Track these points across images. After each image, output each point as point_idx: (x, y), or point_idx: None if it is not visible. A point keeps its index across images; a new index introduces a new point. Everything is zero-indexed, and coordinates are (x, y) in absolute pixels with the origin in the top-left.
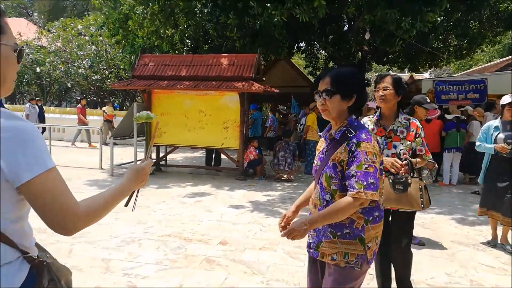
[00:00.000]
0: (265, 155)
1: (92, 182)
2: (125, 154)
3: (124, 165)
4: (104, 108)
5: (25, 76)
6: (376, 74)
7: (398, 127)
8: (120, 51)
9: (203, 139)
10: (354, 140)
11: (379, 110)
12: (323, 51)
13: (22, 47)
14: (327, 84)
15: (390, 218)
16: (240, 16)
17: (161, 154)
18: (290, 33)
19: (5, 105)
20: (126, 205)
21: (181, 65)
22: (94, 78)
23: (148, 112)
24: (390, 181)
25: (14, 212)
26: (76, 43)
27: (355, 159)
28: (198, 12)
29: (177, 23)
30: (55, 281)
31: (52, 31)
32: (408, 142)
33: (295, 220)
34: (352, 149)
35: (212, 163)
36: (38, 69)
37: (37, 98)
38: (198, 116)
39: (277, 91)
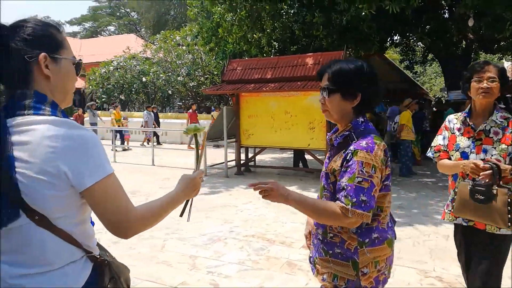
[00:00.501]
0: None
1: None
2: (218, 154)
3: (216, 166)
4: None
5: (134, 85)
6: (474, 62)
7: (491, 127)
8: (214, 58)
9: (289, 140)
10: (352, 148)
11: (469, 106)
12: (420, 43)
13: (80, 60)
14: (326, 80)
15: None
16: (326, 13)
17: (249, 155)
18: (380, 26)
19: (116, 111)
20: (181, 215)
21: (267, 68)
22: (191, 85)
23: (196, 124)
24: (469, 186)
25: (79, 215)
26: (175, 53)
27: (348, 169)
28: (284, 13)
29: (263, 26)
30: (115, 279)
31: (155, 43)
32: (504, 146)
33: (279, 184)
34: (347, 158)
35: (299, 164)
36: (144, 79)
37: (152, 106)
38: (284, 117)
39: None
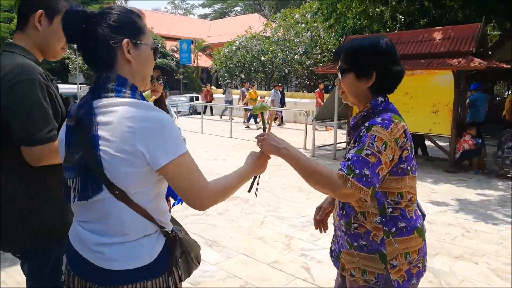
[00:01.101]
0: (491, 145)
1: None
2: (327, 136)
3: (325, 147)
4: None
5: (254, 64)
6: None
7: None
8: (333, 35)
9: (408, 123)
10: (367, 124)
11: None
12: None
13: (158, 45)
14: (341, 61)
15: None
16: None
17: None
18: None
19: (252, 90)
20: (249, 190)
21: None
22: (307, 63)
23: (262, 103)
24: None
25: (154, 191)
26: (294, 31)
27: (360, 143)
28: None
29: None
30: (186, 254)
31: (275, 22)
32: None
33: (274, 135)
34: (361, 134)
35: (418, 151)
36: (262, 58)
37: (279, 84)
38: (403, 98)
39: (509, 66)
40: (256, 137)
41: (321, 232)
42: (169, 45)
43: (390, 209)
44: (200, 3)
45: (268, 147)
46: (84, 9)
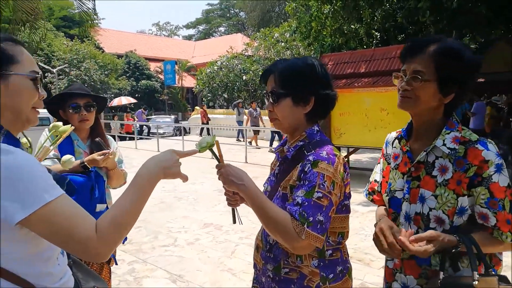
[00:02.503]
0: None
1: None
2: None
3: None
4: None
5: (236, 83)
6: None
7: (437, 157)
8: (312, 53)
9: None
10: (311, 158)
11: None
12: None
13: (37, 75)
14: (273, 83)
15: None
16: None
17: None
18: (505, 6)
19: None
20: (234, 222)
21: (360, 61)
22: None
23: (206, 137)
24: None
25: (24, 251)
26: (275, 50)
27: (306, 182)
28: (385, 0)
29: (361, 16)
30: None
31: (256, 41)
32: (451, 195)
33: (239, 169)
34: (305, 169)
35: None
36: (244, 77)
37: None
38: (380, 114)
39: (483, 79)
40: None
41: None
42: (154, 66)
43: (330, 251)
44: (185, 24)
45: (227, 181)
46: None
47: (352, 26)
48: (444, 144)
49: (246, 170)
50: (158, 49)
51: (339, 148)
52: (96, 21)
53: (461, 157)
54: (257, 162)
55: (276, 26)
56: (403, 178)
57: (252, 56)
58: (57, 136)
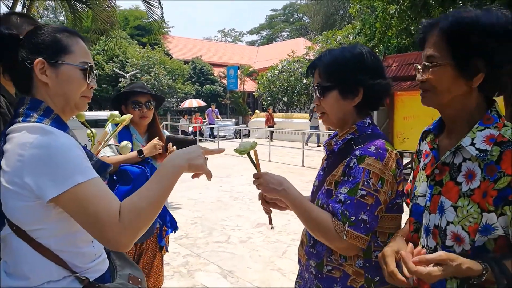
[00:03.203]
0: None
1: None
2: None
3: None
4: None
5: (297, 87)
6: None
7: (465, 159)
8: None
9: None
10: (357, 153)
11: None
12: None
13: (87, 65)
14: (318, 77)
15: None
16: None
17: (405, 161)
18: None
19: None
20: (272, 227)
21: None
22: None
23: (249, 141)
24: None
25: (60, 229)
26: None
27: (351, 178)
28: None
29: (431, 16)
30: None
31: (318, 45)
32: (475, 208)
33: (277, 176)
34: (351, 164)
35: None
36: (305, 81)
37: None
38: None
39: None
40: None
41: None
42: (217, 71)
43: (377, 253)
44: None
45: (267, 190)
46: (11, 32)
47: (420, 26)
48: (472, 144)
49: (301, 173)
50: (222, 55)
51: (401, 154)
52: (166, 29)
53: (493, 162)
54: (315, 166)
55: (340, 29)
56: (427, 181)
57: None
58: (117, 125)
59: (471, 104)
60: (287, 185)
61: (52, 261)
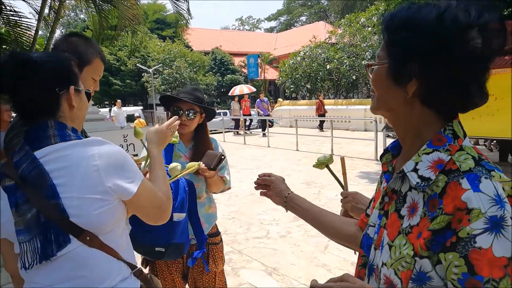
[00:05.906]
0: None
1: (364, 174)
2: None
3: None
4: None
5: (320, 73)
6: None
7: (410, 188)
8: None
9: (493, 128)
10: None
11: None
12: None
13: (88, 90)
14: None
15: None
16: None
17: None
18: None
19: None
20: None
21: None
22: None
23: (325, 155)
24: None
25: (120, 227)
26: (361, 35)
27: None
28: None
29: None
30: None
31: (340, 28)
32: (409, 250)
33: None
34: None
35: (509, 158)
36: (328, 66)
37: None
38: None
39: None
40: (341, 196)
41: None
42: (237, 61)
43: None
44: (266, 17)
45: (271, 196)
46: (23, 56)
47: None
48: (415, 170)
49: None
50: (241, 44)
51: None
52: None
53: (436, 195)
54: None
55: (362, 11)
56: (378, 209)
57: (336, 44)
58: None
59: (415, 119)
60: (290, 196)
61: (120, 260)
